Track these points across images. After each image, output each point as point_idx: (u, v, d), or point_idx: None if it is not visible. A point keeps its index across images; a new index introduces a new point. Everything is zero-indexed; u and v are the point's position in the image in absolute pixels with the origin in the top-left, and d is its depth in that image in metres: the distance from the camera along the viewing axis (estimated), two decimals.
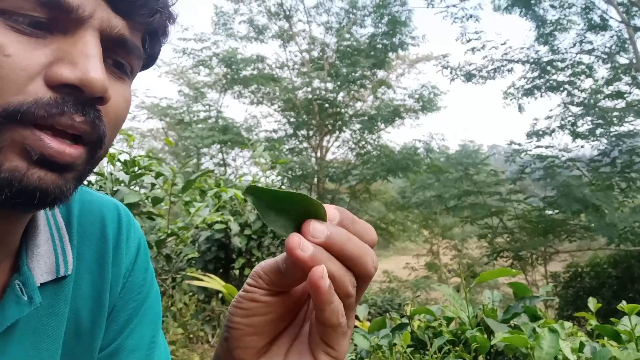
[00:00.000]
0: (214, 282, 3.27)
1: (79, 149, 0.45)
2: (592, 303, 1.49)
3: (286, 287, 0.46)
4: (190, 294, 3.99)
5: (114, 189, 2.61)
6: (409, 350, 1.40)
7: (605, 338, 1.40)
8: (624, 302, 1.22)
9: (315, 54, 16.51)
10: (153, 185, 2.80)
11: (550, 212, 11.69)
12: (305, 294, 0.50)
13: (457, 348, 1.32)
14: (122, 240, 0.64)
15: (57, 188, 0.44)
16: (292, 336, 0.49)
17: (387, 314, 1.60)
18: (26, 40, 0.42)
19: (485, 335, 1.31)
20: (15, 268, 0.54)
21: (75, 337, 0.58)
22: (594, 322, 1.42)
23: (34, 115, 0.41)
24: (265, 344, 0.48)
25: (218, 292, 4.18)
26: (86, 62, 0.43)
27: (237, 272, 4.61)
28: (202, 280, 3.34)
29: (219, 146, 16.16)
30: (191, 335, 3.96)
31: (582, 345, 1.24)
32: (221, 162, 17.14)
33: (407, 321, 1.50)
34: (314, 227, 0.42)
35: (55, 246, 0.56)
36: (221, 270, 4.53)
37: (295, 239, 0.41)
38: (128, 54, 0.50)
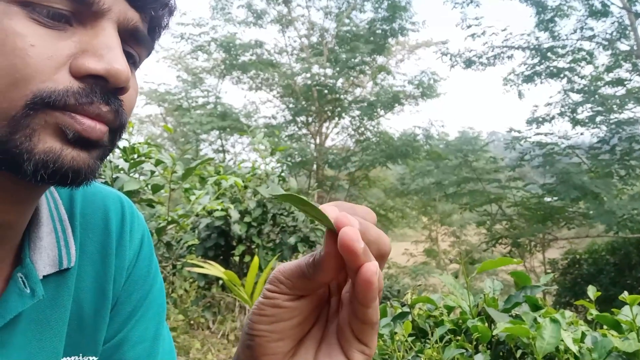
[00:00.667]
0: (214, 269, 3.29)
1: (106, 127, 0.47)
2: (592, 291, 1.49)
3: (310, 291, 0.45)
4: (191, 280, 4.01)
5: (114, 176, 2.60)
6: (410, 339, 1.41)
7: (605, 327, 1.41)
8: (625, 292, 1.22)
9: (314, 39, 16.41)
10: (153, 172, 2.79)
11: (549, 199, 11.71)
12: (326, 294, 0.48)
13: (459, 337, 1.33)
14: (125, 233, 0.64)
15: (88, 168, 0.46)
16: (319, 337, 0.48)
17: (388, 302, 1.61)
18: (49, 32, 0.43)
19: (487, 325, 1.31)
20: (18, 261, 0.54)
21: (79, 329, 0.58)
22: (594, 311, 1.43)
23: (65, 103, 0.43)
24: (292, 348, 0.47)
25: (218, 278, 4.20)
26: (110, 53, 0.45)
27: (237, 259, 4.63)
28: (202, 267, 3.35)
29: (217, 132, 16.12)
30: (192, 322, 3.99)
31: (583, 335, 1.25)
32: (220, 149, 17.11)
33: (408, 310, 1.50)
34: (350, 219, 0.40)
35: (58, 238, 0.57)
36: (221, 257, 4.54)
37: (353, 231, 0.39)
38: (139, 45, 0.52)
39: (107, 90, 0.46)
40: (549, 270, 11.29)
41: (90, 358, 0.60)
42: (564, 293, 10.42)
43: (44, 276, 0.54)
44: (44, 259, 0.54)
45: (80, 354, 0.59)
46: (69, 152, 0.44)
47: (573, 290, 10.07)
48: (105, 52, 0.45)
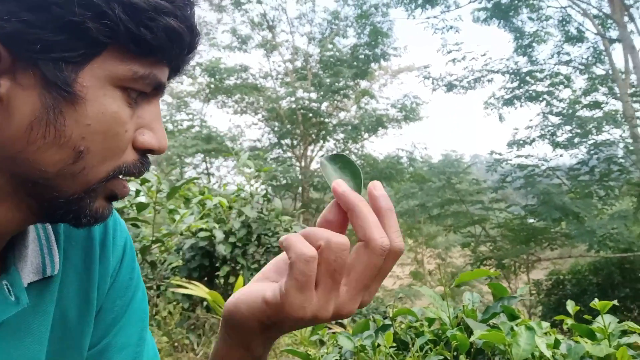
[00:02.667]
0: (199, 290, 3.27)
1: None
2: (571, 306, 1.54)
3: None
4: (175, 302, 3.97)
5: None
6: (391, 350, 1.44)
7: (580, 336, 1.45)
8: (596, 299, 1.27)
9: (298, 64, 16.61)
10: (138, 192, 2.80)
11: (531, 220, 11.84)
12: None
13: (438, 347, 1.36)
14: (108, 240, 0.65)
15: (110, 214, 0.55)
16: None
17: (371, 316, 1.63)
18: (131, 112, 0.50)
19: (466, 335, 1.35)
20: (3, 268, 0.54)
21: (63, 336, 0.59)
22: (570, 321, 1.47)
23: (130, 173, 0.52)
24: None
25: (203, 299, 4.17)
26: (160, 128, 0.53)
27: (221, 280, 4.60)
28: (186, 287, 3.33)
29: (202, 155, 16.10)
30: (176, 344, 3.93)
31: (557, 342, 1.29)
32: (205, 172, 17.07)
33: (389, 322, 1.53)
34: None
35: (42, 246, 0.57)
36: (206, 279, 4.51)
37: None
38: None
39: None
40: (533, 291, 11.35)
41: None
42: (549, 313, 10.46)
43: (28, 284, 0.54)
44: (28, 266, 0.55)
45: None
46: (109, 208, 0.54)
47: (557, 311, 10.12)
48: (156, 127, 0.53)
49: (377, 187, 0.54)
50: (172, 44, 0.49)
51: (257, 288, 0.53)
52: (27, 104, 0.45)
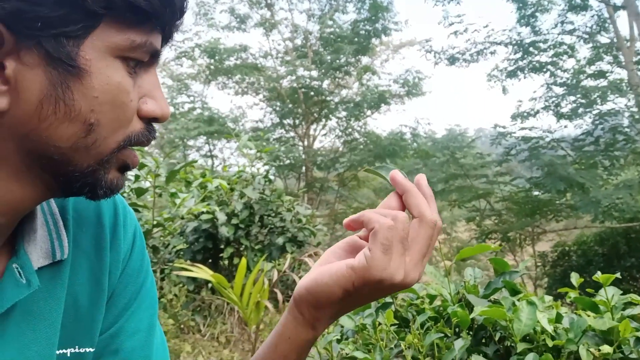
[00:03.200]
0: (203, 272, 3.29)
1: None
2: (575, 278, 1.52)
3: None
4: (180, 284, 4.00)
5: None
6: (392, 328, 1.43)
7: (584, 309, 1.43)
8: (599, 272, 1.25)
9: (298, 42, 16.44)
10: (137, 177, 2.78)
11: (536, 192, 11.81)
12: None
13: (439, 324, 1.35)
14: (119, 226, 0.66)
15: (123, 185, 0.58)
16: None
17: None
18: (132, 82, 0.51)
19: (467, 311, 1.34)
20: (13, 252, 0.55)
21: (75, 321, 0.60)
22: (573, 294, 1.46)
23: (139, 142, 0.54)
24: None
25: (207, 282, 4.20)
26: (161, 96, 0.55)
27: (226, 261, 4.62)
28: (191, 270, 3.35)
29: (205, 138, 16.08)
30: (182, 326, 3.98)
31: (559, 316, 1.27)
32: (208, 154, 17.08)
33: (390, 300, 1.52)
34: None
35: (50, 231, 0.58)
36: (210, 261, 4.53)
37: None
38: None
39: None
40: (539, 263, 11.39)
41: (87, 349, 0.61)
42: (555, 285, 10.51)
43: (38, 268, 0.55)
44: (38, 250, 0.56)
45: (77, 346, 0.60)
46: (122, 179, 0.56)
47: (563, 282, 10.16)
48: (157, 94, 0.54)
49: (422, 178, 0.64)
50: (165, 9, 0.50)
51: (332, 265, 0.60)
52: (34, 83, 0.46)
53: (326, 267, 0.60)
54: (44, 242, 0.57)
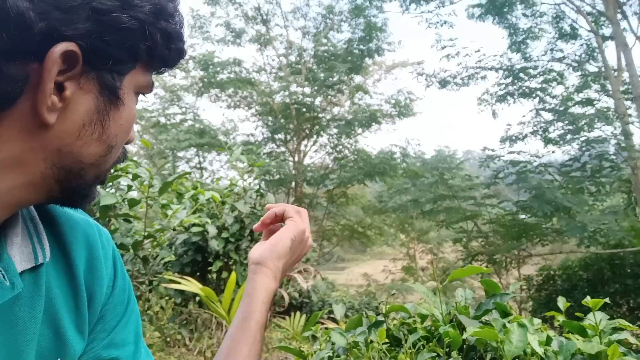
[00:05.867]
0: (192, 285, 3.26)
1: None
2: (562, 302, 1.54)
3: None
4: (167, 297, 3.95)
5: None
6: (384, 346, 1.44)
7: (572, 333, 1.45)
8: (588, 297, 1.28)
9: (292, 58, 16.56)
10: (130, 187, 2.78)
11: (523, 216, 11.91)
12: None
13: (431, 343, 1.36)
14: (97, 250, 0.68)
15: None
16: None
17: (364, 312, 1.63)
18: None
19: (458, 331, 1.35)
20: None
21: (55, 332, 0.60)
22: (561, 317, 1.48)
23: (119, 162, 0.63)
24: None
25: (195, 295, 4.16)
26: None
27: (214, 275, 4.58)
28: (179, 283, 3.32)
29: (195, 150, 16.04)
30: (168, 339, 3.92)
31: (549, 339, 1.29)
32: (197, 166, 17.01)
33: (382, 319, 1.54)
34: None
35: (31, 235, 0.59)
36: (198, 274, 4.49)
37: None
38: None
39: None
40: (524, 287, 11.43)
41: None
42: (540, 308, 10.55)
43: (21, 272, 0.56)
44: (21, 254, 0.57)
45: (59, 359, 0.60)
46: (96, 192, 0.63)
47: (548, 306, 10.20)
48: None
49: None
50: (177, 61, 0.63)
51: (278, 232, 0.91)
52: (83, 105, 0.54)
53: (273, 235, 0.91)
54: (26, 245, 0.58)
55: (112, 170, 0.68)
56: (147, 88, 0.61)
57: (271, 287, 0.85)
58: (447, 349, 1.35)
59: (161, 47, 0.58)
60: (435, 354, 1.29)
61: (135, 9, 0.53)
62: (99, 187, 0.65)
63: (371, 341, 1.48)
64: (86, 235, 0.67)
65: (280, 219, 0.95)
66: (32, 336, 0.57)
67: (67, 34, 0.50)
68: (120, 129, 0.58)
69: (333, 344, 1.60)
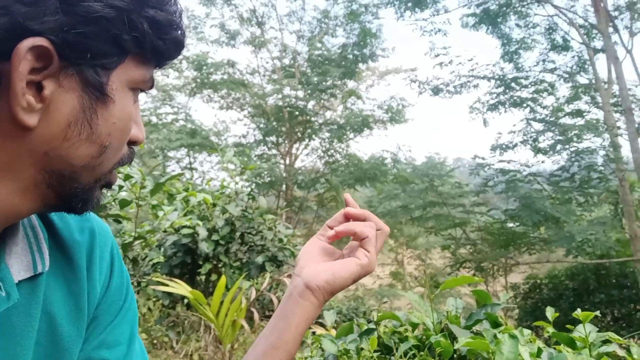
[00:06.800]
0: (180, 288, 3.24)
1: None
2: (550, 312, 1.56)
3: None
4: (155, 299, 3.92)
5: None
6: (375, 354, 1.44)
7: (562, 345, 1.47)
8: (578, 310, 1.29)
9: (286, 61, 16.57)
10: (121, 187, 2.76)
11: (511, 224, 11.99)
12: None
13: (422, 353, 1.37)
14: (95, 247, 0.66)
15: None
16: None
17: (355, 319, 1.63)
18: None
19: (449, 341, 1.36)
20: None
21: (51, 341, 0.59)
22: (551, 329, 1.49)
23: (124, 163, 0.59)
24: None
25: (183, 297, 4.13)
26: (141, 123, 0.61)
27: (203, 277, 4.56)
28: (167, 285, 3.30)
29: (186, 150, 15.97)
30: (155, 341, 3.89)
31: (540, 350, 1.30)
32: (188, 166, 16.94)
33: (374, 327, 1.54)
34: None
35: (31, 244, 0.58)
36: (187, 276, 4.46)
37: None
38: None
39: None
40: (510, 295, 11.50)
41: None
42: (526, 317, 10.62)
43: (18, 282, 0.55)
44: (19, 263, 0.56)
45: None
46: (103, 195, 0.60)
47: (534, 315, 10.28)
48: (139, 121, 0.60)
49: (353, 202, 0.85)
50: (175, 52, 0.58)
51: (344, 264, 0.78)
52: (67, 105, 0.50)
53: (339, 265, 0.78)
54: (25, 255, 0.57)
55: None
56: (145, 83, 0.57)
57: (312, 320, 0.76)
58: (438, 359, 1.36)
59: (152, 38, 0.53)
60: None
61: None
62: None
63: (362, 349, 1.48)
64: (85, 236, 0.66)
65: (359, 219, 0.82)
66: (28, 345, 0.56)
67: (34, 28, 0.46)
68: (114, 127, 0.53)
69: (323, 350, 1.60)
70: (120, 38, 0.50)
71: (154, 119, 15.77)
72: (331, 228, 0.83)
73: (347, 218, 0.83)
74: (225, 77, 15.57)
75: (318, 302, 0.77)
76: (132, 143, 0.59)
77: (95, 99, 0.51)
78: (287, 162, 16.10)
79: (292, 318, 0.75)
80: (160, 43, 0.54)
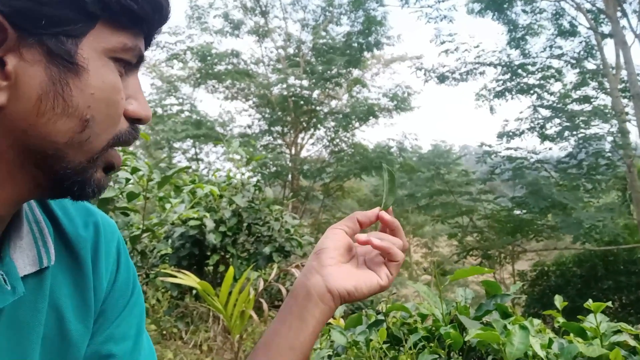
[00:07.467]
0: (189, 279, 3.25)
1: None
2: (559, 301, 1.54)
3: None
4: (163, 290, 3.94)
5: None
6: (385, 346, 1.44)
7: (572, 335, 1.46)
8: (590, 300, 1.28)
9: (291, 50, 16.49)
10: (128, 180, 2.76)
11: (518, 212, 11.96)
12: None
13: (432, 344, 1.36)
14: (100, 242, 0.66)
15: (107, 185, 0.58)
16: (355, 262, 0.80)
17: (363, 310, 1.63)
18: (122, 82, 0.53)
19: (459, 332, 1.35)
20: None
21: (59, 334, 0.59)
22: (561, 319, 1.48)
23: (125, 141, 0.55)
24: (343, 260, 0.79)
25: (191, 288, 4.16)
26: (143, 98, 0.56)
27: (211, 268, 4.57)
28: (176, 276, 3.31)
29: (192, 141, 15.99)
30: (164, 332, 3.93)
31: (550, 341, 1.30)
32: (194, 157, 16.97)
33: (382, 318, 1.53)
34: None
35: (36, 238, 0.58)
36: (195, 267, 4.49)
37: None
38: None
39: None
40: (518, 282, 11.50)
41: None
42: (533, 304, 10.63)
43: (23, 276, 0.54)
44: (24, 258, 0.55)
45: None
46: (107, 179, 0.56)
47: (541, 302, 10.28)
48: (140, 97, 0.56)
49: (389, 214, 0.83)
50: (154, 15, 0.53)
51: (366, 278, 0.76)
52: (34, 79, 0.47)
53: (362, 278, 0.76)
54: (30, 249, 0.56)
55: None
56: (127, 52, 0.52)
57: (326, 322, 0.77)
58: (448, 350, 1.35)
59: None
60: (437, 356, 1.29)
61: None
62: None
63: (371, 340, 1.48)
64: (90, 231, 0.65)
65: (390, 227, 0.81)
66: (36, 339, 0.56)
67: None
68: (92, 98, 0.49)
69: (332, 342, 1.60)
70: (81, 1, 0.47)
71: (160, 110, 15.77)
72: (360, 224, 0.81)
73: (379, 219, 0.82)
74: (230, 67, 15.53)
75: (335, 307, 0.76)
76: (135, 121, 0.55)
77: (64, 70, 0.48)
78: (293, 151, 16.08)
79: (310, 320, 0.73)
80: (130, 3, 0.50)
